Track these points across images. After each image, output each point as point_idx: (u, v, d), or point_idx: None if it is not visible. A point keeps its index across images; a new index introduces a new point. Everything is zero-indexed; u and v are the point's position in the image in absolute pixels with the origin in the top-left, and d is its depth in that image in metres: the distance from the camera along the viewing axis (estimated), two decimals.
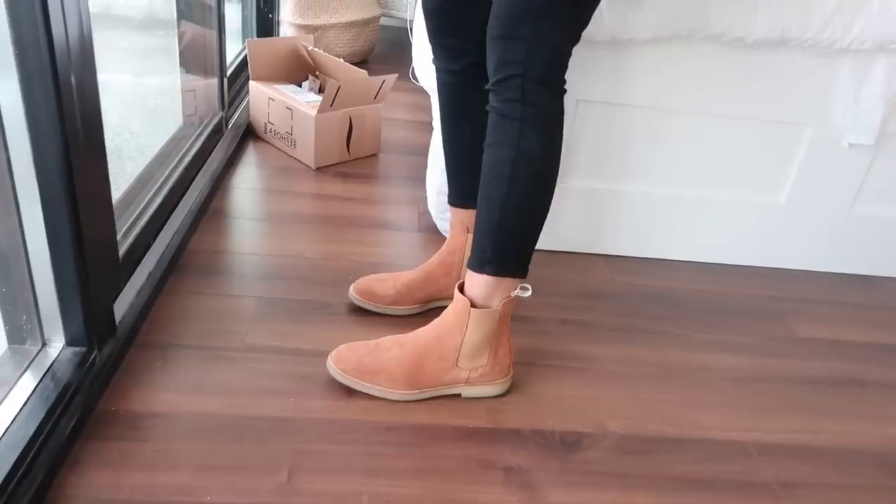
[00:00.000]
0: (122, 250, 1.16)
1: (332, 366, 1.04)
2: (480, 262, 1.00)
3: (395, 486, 0.90)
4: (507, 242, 0.99)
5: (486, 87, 0.97)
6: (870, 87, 1.33)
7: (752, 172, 1.47)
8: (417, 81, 1.46)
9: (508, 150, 0.96)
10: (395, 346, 1.05)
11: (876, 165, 1.47)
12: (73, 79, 0.85)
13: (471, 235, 1.13)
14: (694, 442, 1.04)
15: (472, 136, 1.14)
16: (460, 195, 1.20)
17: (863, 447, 1.08)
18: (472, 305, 1.01)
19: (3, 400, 0.88)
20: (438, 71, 1.16)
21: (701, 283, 1.47)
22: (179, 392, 1.00)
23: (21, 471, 0.81)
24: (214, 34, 1.72)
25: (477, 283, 1.01)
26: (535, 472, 0.94)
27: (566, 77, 0.98)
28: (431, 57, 1.17)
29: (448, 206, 1.24)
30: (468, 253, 1.06)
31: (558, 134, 0.99)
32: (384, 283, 1.22)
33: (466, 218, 1.18)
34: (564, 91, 0.98)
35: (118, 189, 1.35)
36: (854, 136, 1.40)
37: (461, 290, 1.03)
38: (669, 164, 1.45)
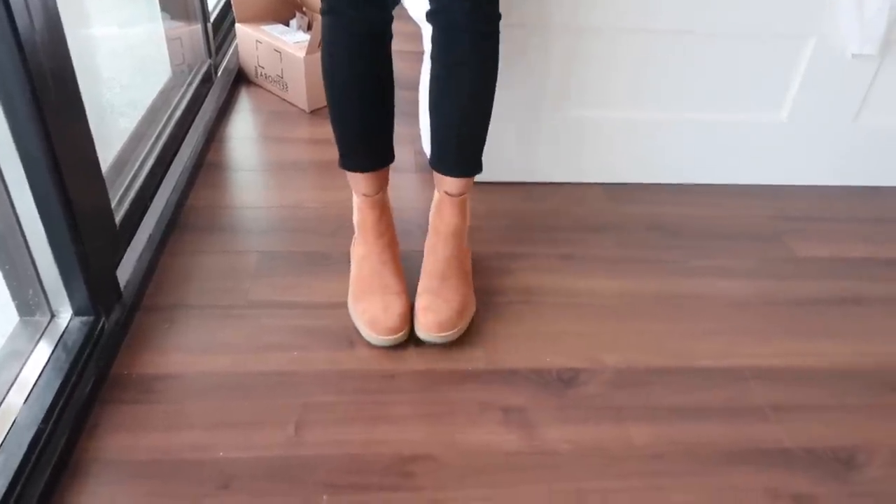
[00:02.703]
0: (119, 214, 1.17)
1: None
2: (455, 171, 1.11)
3: (398, 433, 0.94)
4: (471, 148, 1.11)
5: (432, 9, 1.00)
6: None
7: (752, 90, 1.44)
8: (406, 9, 1.42)
9: (473, 67, 1.03)
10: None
11: (881, 75, 1.42)
12: (36, 35, 0.82)
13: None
14: (688, 371, 1.06)
15: (390, 90, 1.10)
16: (386, 159, 1.15)
17: (860, 366, 1.10)
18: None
19: (20, 371, 0.93)
20: (359, 23, 1.01)
21: (700, 207, 1.46)
22: (188, 353, 1.04)
23: (43, 439, 0.85)
24: None
25: (455, 184, 1.12)
26: (532, 411, 0.98)
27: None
28: (341, 6, 1.00)
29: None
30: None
31: (498, 47, 1.06)
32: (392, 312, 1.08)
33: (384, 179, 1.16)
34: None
35: (113, 148, 1.36)
36: (858, 46, 1.35)
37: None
38: (666, 88, 1.42)
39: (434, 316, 1.05)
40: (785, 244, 1.37)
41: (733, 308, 1.20)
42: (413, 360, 1.05)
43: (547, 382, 1.03)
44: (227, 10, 2.04)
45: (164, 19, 1.69)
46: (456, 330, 1.06)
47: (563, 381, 1.03)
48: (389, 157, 1.15)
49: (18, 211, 0.90)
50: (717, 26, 1.34)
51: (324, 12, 1.01)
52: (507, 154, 1.46)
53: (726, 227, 1.41)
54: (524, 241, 1.32)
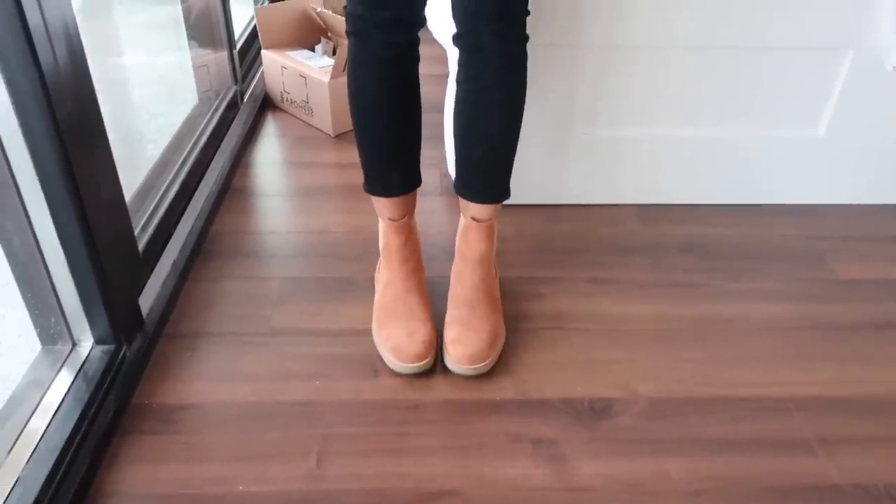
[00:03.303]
0: (143, 241, 1.17)
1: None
2: (481, 197, 1.08)
3: (423, 466, 0.90)
4: (499, 174, 1.08)
5: (459, 32, 0.97)
6: None
7: (787, 106, 1.39)
8: (431, 32, 1.41)
9: (501, 90, 1.00)
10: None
11: None
12: (59, 65, 0.82)
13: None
14: (727, 401, 1.01)
15: (417, 113, 1.08)
16: (414, 183, 1.13)
17: None
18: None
19: (40, 401, 0.92)
20: (385, 46, 0.98)
21: (735, 227, 1.41)
22: (209, 381, 1.02)
23: (62, 469, 0.84)
24: (218, 4, 1.68)
25: (482, 210, 1.09)
26: (563, 444, 0.94)
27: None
28: (367, 29, 0.97)
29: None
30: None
31: (526, 70, 1.03)
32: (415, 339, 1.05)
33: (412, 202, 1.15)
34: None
35: (140, 175, 1.36)
36: None
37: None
38: (698, 104, 1.38)
39: (464, 349, 1.01)
40: (826, 265, 1.31)
41: (774, 333, 1.14)
42: (438, 390, 1.01)
43: (578, 413, 0.98)
44: (253, 37, 2.06)
45: (191, 47, 1.70)
46: (487, 362, 1.03)
47: (596, 411, 0.99)
48: (416, 181, 1.12)
49: (39, 239, 0.89)
50: (751, 41, 1.30)
51: (349, 34, 1.00)
52: (534, 175, 1.43)
53: (764, 248, 1.35)
54: (554, 265, 1.28)
